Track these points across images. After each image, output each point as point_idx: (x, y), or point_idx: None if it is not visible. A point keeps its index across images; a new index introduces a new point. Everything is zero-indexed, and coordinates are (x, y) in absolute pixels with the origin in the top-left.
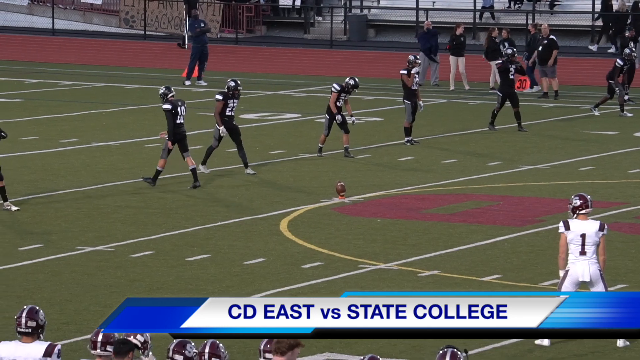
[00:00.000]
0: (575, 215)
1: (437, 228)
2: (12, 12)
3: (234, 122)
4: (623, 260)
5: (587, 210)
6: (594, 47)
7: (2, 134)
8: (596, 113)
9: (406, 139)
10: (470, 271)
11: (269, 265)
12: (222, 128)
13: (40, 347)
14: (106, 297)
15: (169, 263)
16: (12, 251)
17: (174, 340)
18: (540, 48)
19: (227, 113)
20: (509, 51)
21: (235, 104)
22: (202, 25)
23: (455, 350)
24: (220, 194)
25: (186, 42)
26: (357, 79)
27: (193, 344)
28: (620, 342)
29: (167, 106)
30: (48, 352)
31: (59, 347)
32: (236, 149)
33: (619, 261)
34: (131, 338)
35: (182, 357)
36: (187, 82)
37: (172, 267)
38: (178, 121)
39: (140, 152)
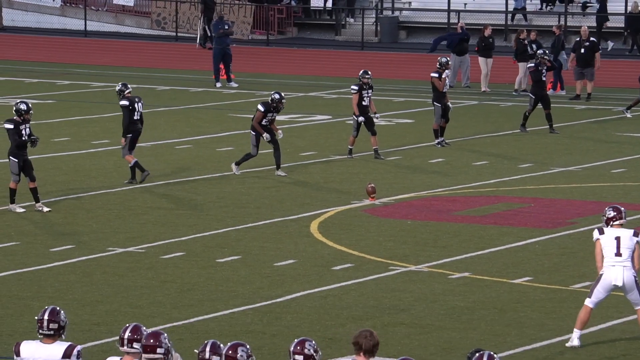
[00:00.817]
0: (609, 226)
1: (468, 230)
2: (45, 13)
3: (268, 126)
4: None
5: (621, 221)
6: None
7: (33, 137)
8: (628, 115)
9: (436, 140)
10: (501, 273)
11: (299, 266)
12: (265, 135)
13: (60, 348)
14: (137, 298)
15: (199, 264)
16: (44, 252)
17: (207, 341)
18: (582, 50)
19: (263, 122)
20: (540, 52)
21: (274, 116)
22: (226, 27)
23: (491, 353)
24: (251, 195)
25: (206, 42)
26: (366, 70)
27: (248, 346)
28: None
29: (125, 102)
30: (67, 354)
31: (78, 348)
32: (271, 150)
33: None
34: (151, 356)
35: (218, 357)
36: (218, 84)
37: (202, 269)
38: (135, 117)
39: (171, 153)
